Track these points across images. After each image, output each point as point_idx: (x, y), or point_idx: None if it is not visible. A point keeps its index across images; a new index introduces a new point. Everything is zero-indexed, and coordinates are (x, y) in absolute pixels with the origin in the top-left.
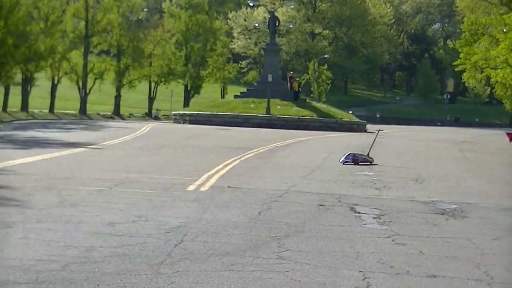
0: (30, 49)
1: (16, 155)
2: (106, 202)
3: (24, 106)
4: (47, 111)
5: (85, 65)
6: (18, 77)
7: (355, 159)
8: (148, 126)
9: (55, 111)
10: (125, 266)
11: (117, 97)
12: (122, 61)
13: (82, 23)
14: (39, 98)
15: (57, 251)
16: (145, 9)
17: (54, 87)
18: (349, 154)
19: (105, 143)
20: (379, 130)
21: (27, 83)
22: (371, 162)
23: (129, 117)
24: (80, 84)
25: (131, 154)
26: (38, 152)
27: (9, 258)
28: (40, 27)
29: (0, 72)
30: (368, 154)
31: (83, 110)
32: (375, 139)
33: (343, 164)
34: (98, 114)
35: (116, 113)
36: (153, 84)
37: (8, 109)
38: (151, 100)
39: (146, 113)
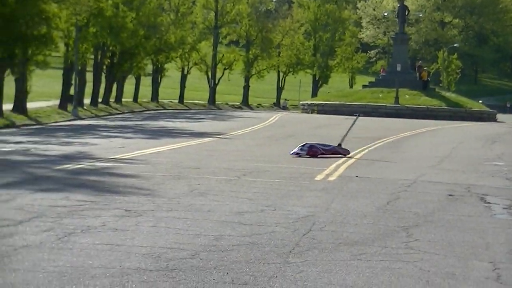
0: (161, 40)
1: (147, 144)
2: (234, 191)
3: (154, 96)
4: (176, 101)
5: (214, 56)
6: (149, 68)
7: (312, 151)
8: (276, 116)
9: (184, 101)
10: (253, 255)
11: (246, 87)
12: (250, 52)
13: (212, 14)
14: (169, 88)
15: (187, 239)
16: (274, 0)
17: (183, 78)
18: (304, 145)
19: (233, 132)
20: (359, 114)
21: (158, 73)
22: (344, 155)
23: (257, 107)
24: (209, 74)
25: (260, 144)
26: (168, 141)
27: (140, 246)
28: (171, 18)
29: (131, 63)
30: (340, 144)
31: (212, 100)
32: (352, 124)
33: (293, 156)
34: (227, 104)
35: (245, 103)
36: (281, 74)
37: (139, 100)
38: (279, 90)
39: (274, 103)
